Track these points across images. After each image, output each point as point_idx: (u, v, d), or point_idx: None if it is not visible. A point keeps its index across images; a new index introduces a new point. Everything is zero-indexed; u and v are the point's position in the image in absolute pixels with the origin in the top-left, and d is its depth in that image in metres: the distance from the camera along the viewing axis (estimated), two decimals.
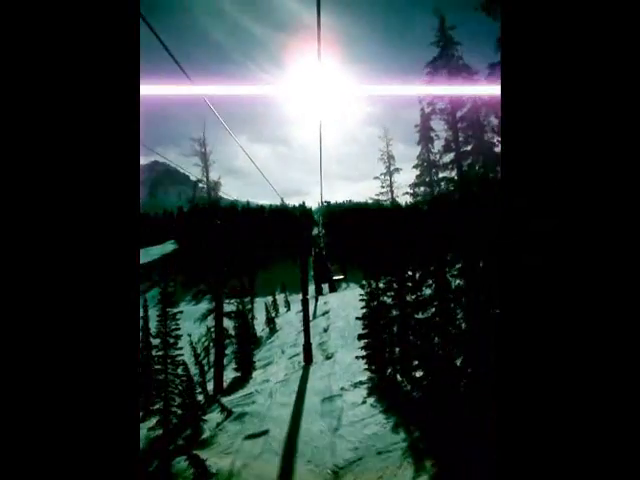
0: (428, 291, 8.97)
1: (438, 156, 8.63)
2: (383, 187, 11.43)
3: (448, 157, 8.23)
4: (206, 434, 10.35)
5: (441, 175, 8.56)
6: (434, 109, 8.28)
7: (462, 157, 7.81)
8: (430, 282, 8.84)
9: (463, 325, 8.02)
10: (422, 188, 8.98)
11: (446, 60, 7.83)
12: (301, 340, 16.94)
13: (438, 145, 8.60)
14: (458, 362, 8.05)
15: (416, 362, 9.25)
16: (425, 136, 8.81)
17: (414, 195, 9.06)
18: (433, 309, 8.61)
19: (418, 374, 9.29)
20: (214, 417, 11.35)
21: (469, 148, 7.79)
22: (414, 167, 9.03)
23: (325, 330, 20.00)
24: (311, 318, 20.71)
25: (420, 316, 9.01)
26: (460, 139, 7.74)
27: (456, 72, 7.67)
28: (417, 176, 8.94)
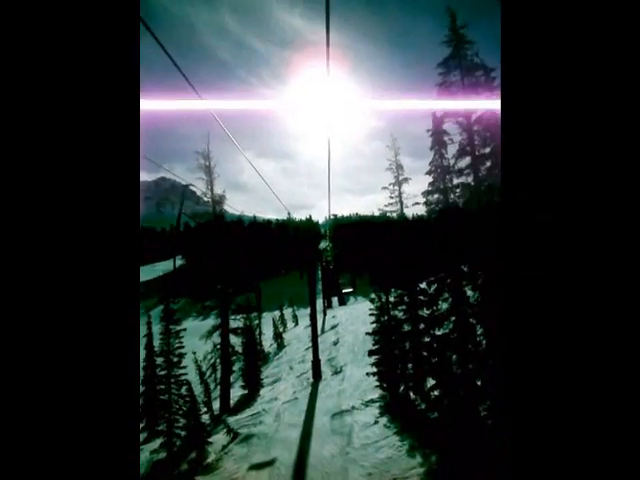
0: (445, 305, 8.50)
1: (452, 161, 8.24)
2: (392, 197, 11.01)
3: (464, 162, 7.85)
4: (211, 458, 9.84)
5: (456, 181, 8.16)
6: (447, 111, 7.94)
7: (479, 161, 7.43)
8: (446, 295, 8.37)
9: (484, 342, 7.53)
10: (435, 196, 8.58)
11: (459, 59, 7.52)
12: (309, 356, 16.48)
13: (452, 150, 8.22)
14: (479, 382, 7.56)
15: (432, 380, 8.75)
16: (438, 140, 8.43)
17: (427, 203, 8.67)
18: (450, 324, 8.14)
19: (433, 393, 8.80)
20: (219, 439, 10.85)
21: (487, 151, 7.41)
22: (426, 173, 8.65)
23: (334, 344, 19.54)
24: (319, 332, 20.26)
25: (437, 332, 8.53)
26: (476, 142, 7.37)
27: (470, 70, 7.36)
28: (430, 183, 8.55)
